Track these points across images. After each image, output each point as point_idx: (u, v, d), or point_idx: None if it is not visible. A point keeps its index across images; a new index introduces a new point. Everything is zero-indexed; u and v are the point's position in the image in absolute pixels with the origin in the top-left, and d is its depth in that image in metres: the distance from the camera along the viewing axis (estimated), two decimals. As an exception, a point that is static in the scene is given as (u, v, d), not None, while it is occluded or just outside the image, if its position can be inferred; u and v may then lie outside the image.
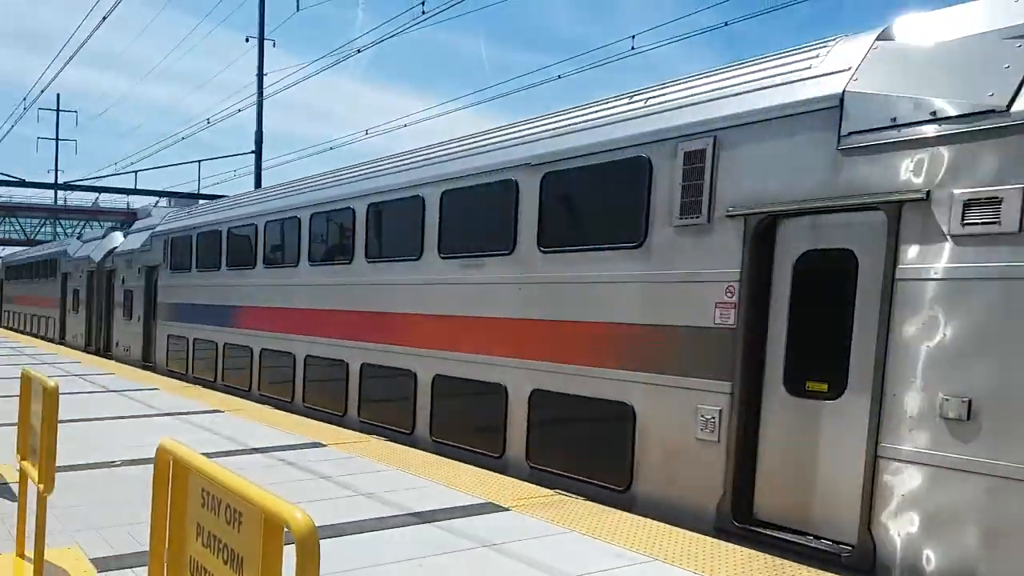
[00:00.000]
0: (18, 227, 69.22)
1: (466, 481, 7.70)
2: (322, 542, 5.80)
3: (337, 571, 5.25)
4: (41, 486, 4.67)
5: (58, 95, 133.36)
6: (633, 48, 21.71)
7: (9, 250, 57.49)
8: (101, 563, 5.35)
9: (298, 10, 43.94)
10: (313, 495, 7.14)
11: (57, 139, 74.86)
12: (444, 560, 5.51)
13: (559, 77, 28.07)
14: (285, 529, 2.21)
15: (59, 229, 68.63)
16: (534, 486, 7.63)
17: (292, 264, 13.91)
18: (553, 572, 5.34)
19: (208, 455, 8.77)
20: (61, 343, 29.01)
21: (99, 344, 25.42)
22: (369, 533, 6.07)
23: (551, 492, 7.43)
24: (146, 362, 20.64)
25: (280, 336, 14.25)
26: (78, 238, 33.13)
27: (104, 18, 19.59)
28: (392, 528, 6.20)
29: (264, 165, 47.73)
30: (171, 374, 18.50)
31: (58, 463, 8.21)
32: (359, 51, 24.58)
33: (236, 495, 2.39)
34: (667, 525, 6.52)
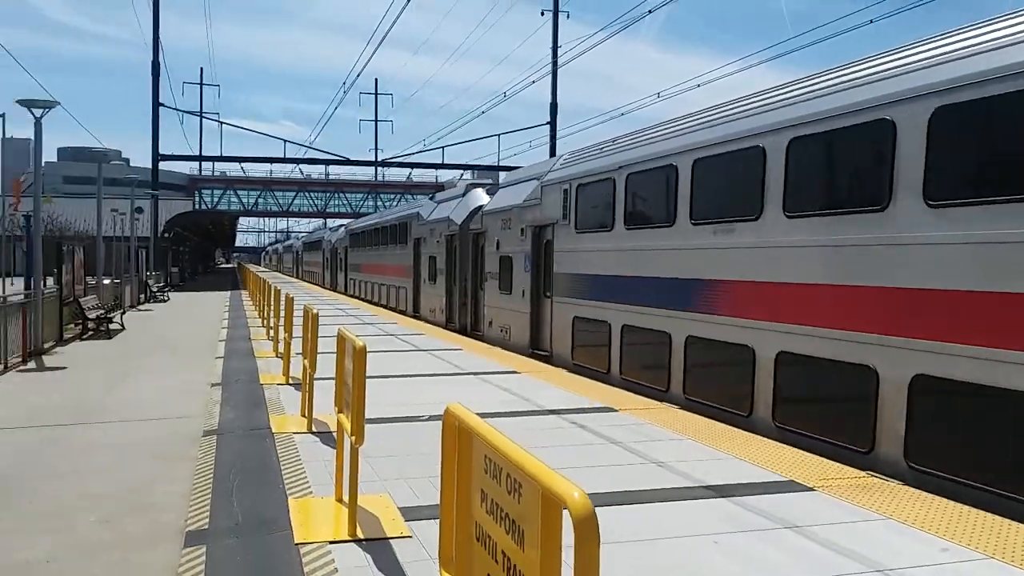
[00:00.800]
0: (345, 202, 77.59)
1: (766, 455, 7.18)
2: (608, 509, 5.68)
3: (625, 539, 5.08)
4: (353, 438, 4.97)
5: (376, 80, 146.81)
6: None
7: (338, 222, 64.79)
8: (407, 512, 5.63)
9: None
10: (601, 459, 7.05)
11: (376, 120, 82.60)
12: (741, 539, 5.12)
13: (871, 22, 25.45)
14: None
15: (379, 203, 75.86)
16: (840, 465, 6.93)
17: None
18: (866, 563, 4.74)
19: (503, 414, 9.09)
20: (415, 317, 26.59)
21: (464, 321, 21.95)
22: (660, 503, 5.83)
23: (863, 473, 6.69)
24: (535, 350, 16.14)
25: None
26: (431, 199, 29.52)
27: (407, 1, 20.92)
28: (684, 500, 5.91)
29: (558, 135, 49.04)
30: (577, 370, 13.77)
31: (374, 415, 8.94)
32: (650, 11, 24.08)
33: (516, 466, 2.23)
34: (999, 516, 5.57)
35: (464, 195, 23.09)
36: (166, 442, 8.32)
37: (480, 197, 21.83)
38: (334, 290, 47.25)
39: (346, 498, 5.43)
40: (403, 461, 6.98)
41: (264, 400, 10.06)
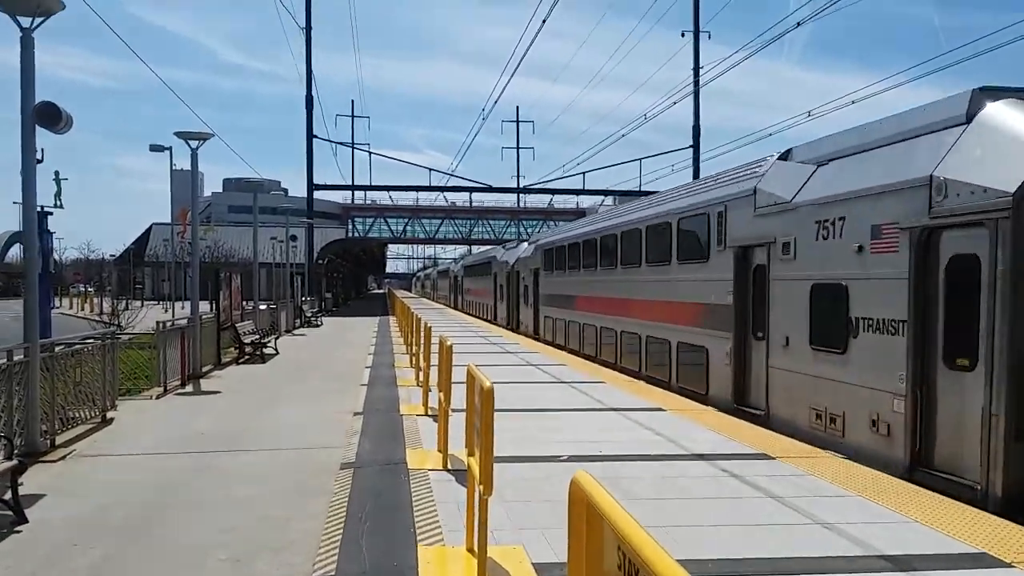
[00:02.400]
0: (488, 228, 78.69)
1: (951, 522, 6.27)
2: (773, 577, 5.02)
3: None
4: (481, 487, 4.60)
5: (517, 107, 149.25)
6: None
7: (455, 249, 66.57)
8: (542, 569, 5.20)
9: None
10: (759, 518, 6.35)
11: (518, 147, 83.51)
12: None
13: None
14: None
15: (521, 229, 76.46)
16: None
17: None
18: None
19: (648, 456, 8.51)
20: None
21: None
22: (834, 575, 5.12)
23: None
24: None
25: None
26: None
27: (541, 25, 20.89)
28: (860, 573, 5.16)
29: (702, 157, 47.77)
30: (547, 343, 25.51)
31: (511, 453, 8.55)
32: (799, 24, 22.89)
33: (655, 572, 1.76)
34: None
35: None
36: (305, 473, 8.26)
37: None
38: (455, 308, 59.46)
39: (476, 548, 5.05)
40: (539, 508, 6.55)
41: (402, 432, 9.91)
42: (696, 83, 46.74)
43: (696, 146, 47.95)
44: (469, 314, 48.05)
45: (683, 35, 47.65)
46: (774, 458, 8.45)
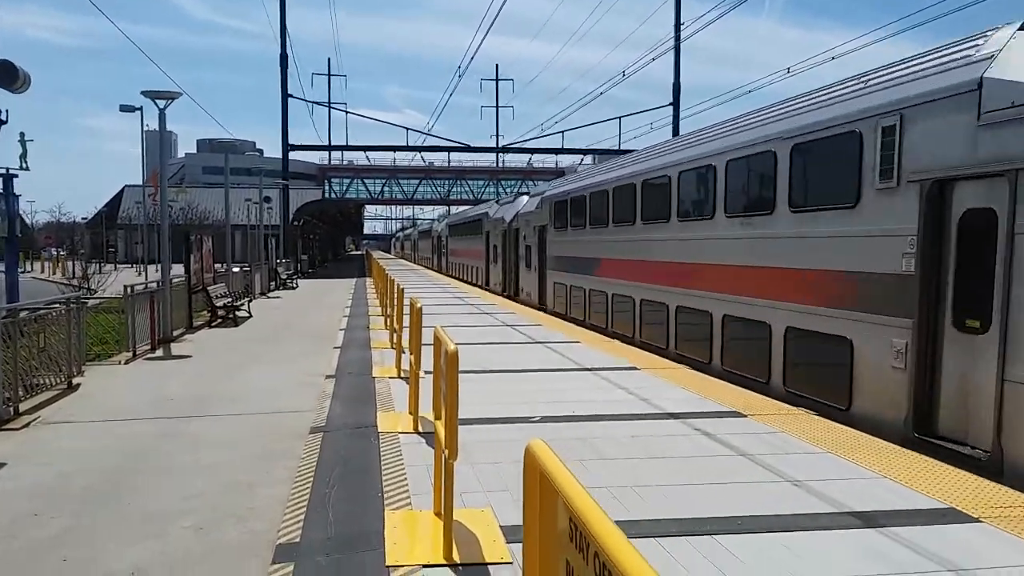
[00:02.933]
0: (467, 188, 78.17)
1: (920, 477, 6.28)
2: (740, 536, 5.01)
3: (757, 572, 4.41)
4: (446, 452, 4.50)
5: (496, 65, 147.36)
6: None
7: (451, 209, 65.48)
8: (510, 531, 5.14)
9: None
10: (730, 475, 6.33)
11: (497, 106, 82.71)
12: (896, 584, 4.35)
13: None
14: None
15: (500, 189, 75.98)
16: (1014, 491, 5.96)
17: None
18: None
19: (623, 416, 8.47)
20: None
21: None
22: (798, 533, 5.10)
23: (1041, 502, 5.73)
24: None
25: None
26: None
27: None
28: (826, 530, 5.15)
29: (681, 115, 47.47)
30: (554, 315, 21.69)
31: (483, 414, 8.50)
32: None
33: (604, 547, 1.66)
34: None
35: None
36: (274, 438, 8.16)
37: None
38: (439, 271, 55.13)
39: (443, 512, 4.98)
40: (509, 470, 6.49)
41: (374, 395, 9.81)
42: (677, 40, 46.26)
43: (676, 104, 47.64)
44: (455, 278, 44.60)
45: (662, -9, 47.04)
46: (746, 415, 8.44)
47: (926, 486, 5.99)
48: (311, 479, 6.34)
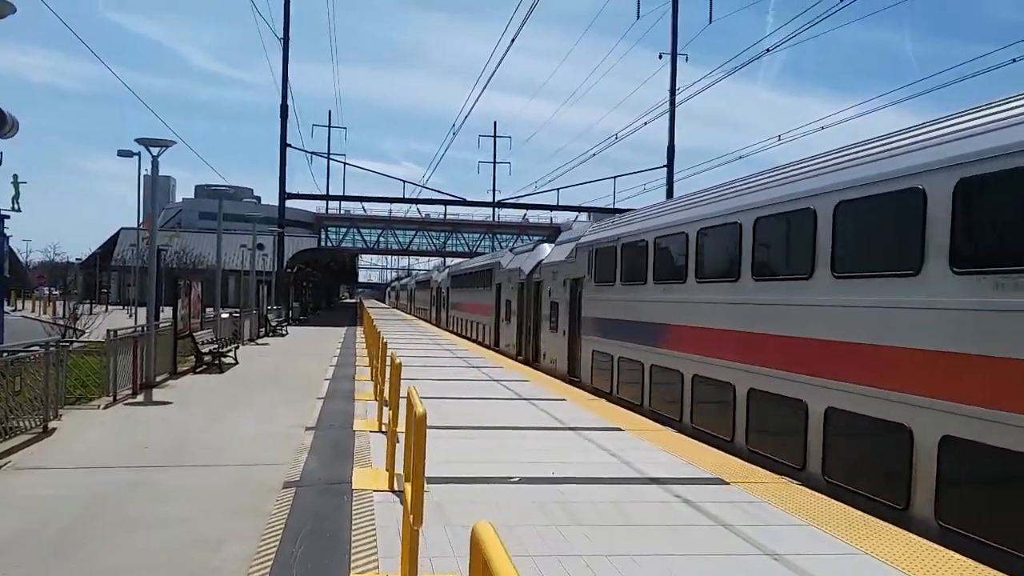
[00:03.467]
0: (462, 241, 78.50)
1: (904, 557, 6.13)
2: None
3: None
4: (411, 517, 4.38)
5: (495, 123, 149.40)
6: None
7: (450, 261, 65.52)
8: (477, 600, 4.96)
9: (711, 22, 43.30)
10: (708, 547, 6.17)
11: (495, 162, 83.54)
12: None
13: (1014, 61, 23.33)
14: None
15: (496, 243, 76.28)
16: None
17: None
18: None
19: (601, 479, 8.32)
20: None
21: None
22: (773, 611, 4.94)
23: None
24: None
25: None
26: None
27: (510, 44, 20.76)
28: (803, 609, 4.99)
29: (676, 177, 47.93)
30: (596, 392, 16.76)
31: (462, 473, 8.33)
32: (768, 51, 23.05)
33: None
34: None
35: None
36: (246, 492, 7.97)
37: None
38: (437, 325, 48.96)
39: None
40: (482, 534, 6.31)
41: (352, 450, 9.63)
42: (672, 104, 46.96)
43: (670, 165, 48.13)
44: (456, 334, 39.24)
45: (660, 57, 47.91)
46: (729, 483, 8.29)
47: (907, 564, 5.84)
48: (279, 538, 6.17)
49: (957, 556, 6.09)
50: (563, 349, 20.61)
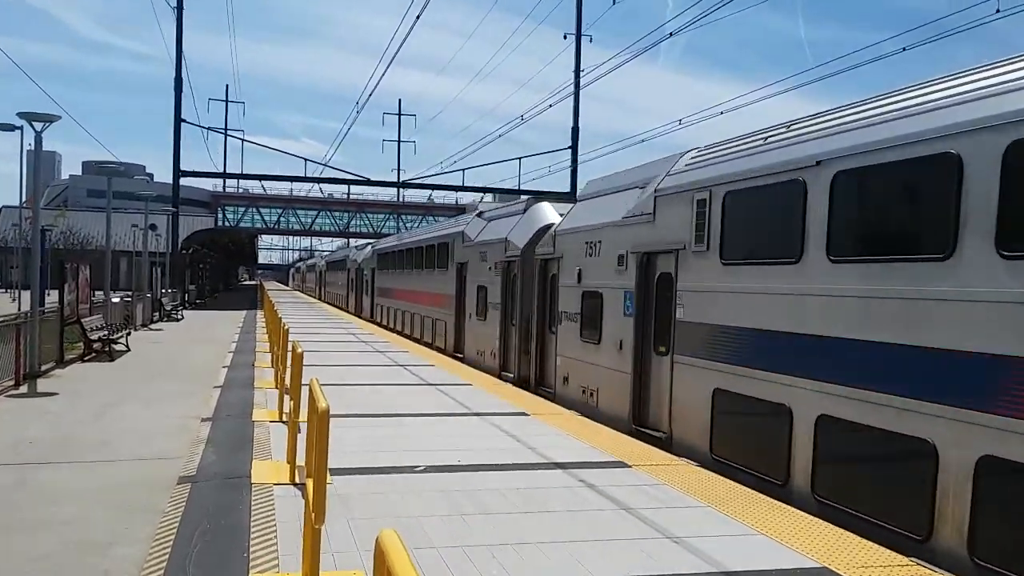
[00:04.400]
0: (366, 221, 77.38)
1: (798, 536, 6.36)
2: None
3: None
4: (313, 515, 4.26)
5: (399, 100, 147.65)
6: (999, 11, 18.10)
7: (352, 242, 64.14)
8: (382, 596, 4.88)
9: (614, 3, 43.76)
10: (609, 532, 6.26)
11: (399, 141, 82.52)
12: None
13: (904, 49, 24.22)
14: None
15: (401, 224, 75.55)
16: (888, 552, 6.07)
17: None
18: None
19: (507, 466, 8.35)
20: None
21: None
22: (675, 595, 5.05)
23: (908, 561, 5.86)
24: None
25: None
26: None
27: (414, 22, 20.50)
28: (703, 591, 5.12)
29: (580, 159, 48.44)
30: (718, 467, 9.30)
31: (363, 464, 8.21)
32: (671, 34, 23.44)
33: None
34: None
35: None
36: (139, 489, 7.64)
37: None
38: (358, 316, 42.27)
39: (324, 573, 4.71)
40: (390, 525, 6.21)
41: (252, 441, 9.37)
42: (576, 86, 47.32)
43: (575, 147, 48.55)
44: (389, 329, 31.59)
45: (565, 37, 48.09)
46: (631, 466, 8.44)
47: (804, 545, 6.06)
48: (172, 537, 5.93)
49: (839, 531, 6.35)
50: (617, 378, 12.30)
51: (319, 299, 66.48)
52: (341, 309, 49.84)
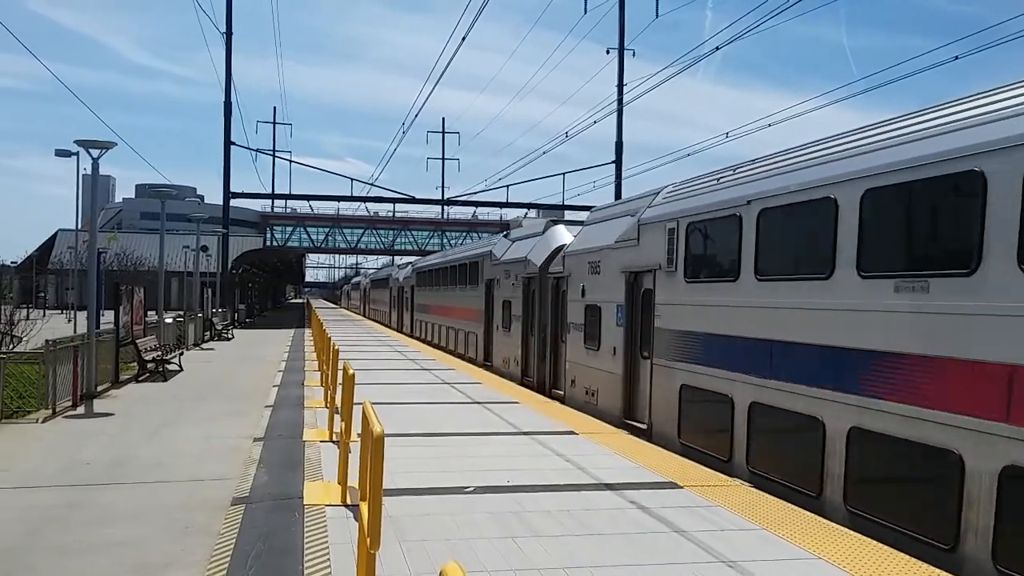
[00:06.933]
0: (411, 239, 77.96)
1: (858, 561, 6.19)
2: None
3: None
4: (368, 540, 4.26)
5: (443, 119, 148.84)
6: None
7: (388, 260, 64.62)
8: (435, 621, 4.87)
9: (657, 16, 43.60)
10: (663, 555, 6.16)
11: (443, 158, 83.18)
12: None
13: (956, 58, 23.59)
14: None
15: (444, 240, 75.96)
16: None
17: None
18: None
19: (557, 487, 8.28)
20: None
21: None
22: (732, 622, 4.94)
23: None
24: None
25: None
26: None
27: (461, 43, 20.66)
28: (761, 619, 5.00)
29: (624, 175, 48.25)
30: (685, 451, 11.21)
31: (413, 484, 8.22)
32: (717, 48, 23.28)
33: None
34: None
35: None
36: (193, 510, 7.74)
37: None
38: (400, 331, 43.52)
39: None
40: (438, 549, 6.22)
41: (303, 461, 9.44)
42: (620, 101, 47.22)
43: (619, 162, 48.41)
44: (426, 342, 32.72)
45: (608, 52, 48.09)
46: (682, 487, 8.32)
47: (860, 567, 5.90)
48: (228, 560, 5.99)
49: (896, 553, 6.17)
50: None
51: (364, 316, 67.64)
52: (384, 325, 50.81)
